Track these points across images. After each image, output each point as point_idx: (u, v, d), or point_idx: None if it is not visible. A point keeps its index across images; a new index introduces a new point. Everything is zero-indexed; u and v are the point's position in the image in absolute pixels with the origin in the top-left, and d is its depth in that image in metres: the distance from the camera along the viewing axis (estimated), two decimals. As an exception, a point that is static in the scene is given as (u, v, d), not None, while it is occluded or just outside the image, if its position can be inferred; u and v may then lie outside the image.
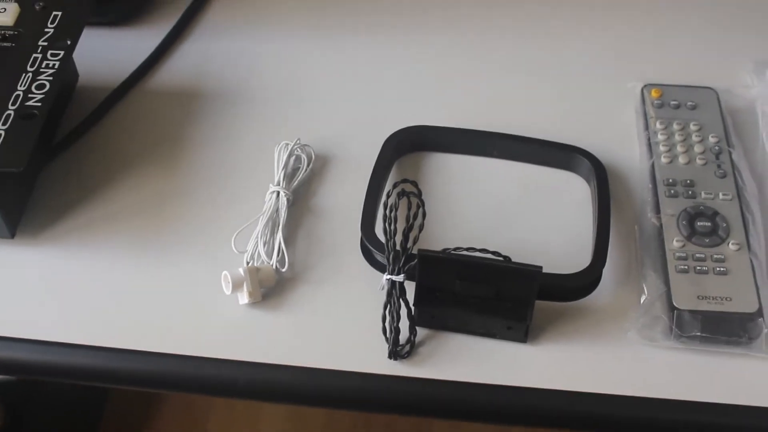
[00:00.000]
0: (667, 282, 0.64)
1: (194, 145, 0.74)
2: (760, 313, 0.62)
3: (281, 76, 0.79)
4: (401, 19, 0.83)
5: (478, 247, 0.62)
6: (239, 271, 0.64)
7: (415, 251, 0.61)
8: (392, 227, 0.62)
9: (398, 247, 0.62)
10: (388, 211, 0.62)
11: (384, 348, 0.62)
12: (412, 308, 0.62)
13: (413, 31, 0.82)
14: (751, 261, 0.64)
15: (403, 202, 0.62)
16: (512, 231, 0.68)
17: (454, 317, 0.63)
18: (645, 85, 0.76)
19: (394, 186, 0.64)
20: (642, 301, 0.64)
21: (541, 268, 0.59)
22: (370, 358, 0.62)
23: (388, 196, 0.63)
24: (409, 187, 0.63)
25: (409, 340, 0.62)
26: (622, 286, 0.65)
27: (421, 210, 0.62)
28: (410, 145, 0.73)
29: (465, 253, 0.61)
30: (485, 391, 0.61)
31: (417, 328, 0.62)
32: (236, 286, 0.64)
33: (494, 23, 0.83)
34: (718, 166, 0.70)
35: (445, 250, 0.62)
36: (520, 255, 0.62)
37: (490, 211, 0.70)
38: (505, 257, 0.61)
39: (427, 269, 0.61)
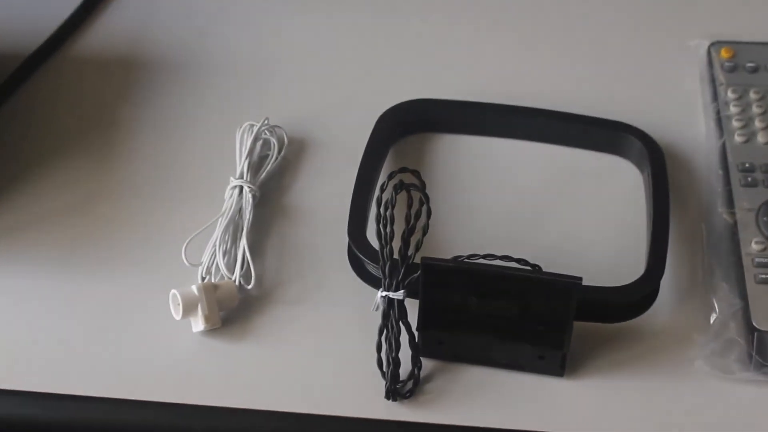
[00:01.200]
0: (744, 296, 0.63)
1: (132, 129, 0.74)
2: None
3: (244, 39, 0.79)
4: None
5: (498, 254, 0.61)
6: (192, 289, 0.63)
7: (417, 260, 0.61)
8: (388, 230, 0.61)
9: (396, 256, 0.61)
10: (382, 210, 0.62)
11: (380, 385, 0.61)
12: (415, 334, 0.61)
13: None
14: None
15: (402, 197, 0.62)
16: (543, 233, 0.68)
17: (470, 345, 0.62)
18: (712, 43, 0.76)
19: (390, 177, 0.63)
20: (712, 321, 0.63)
21: (581, 279, 0.59)
22: (363, 398, 0.61)
23: (383, 190, 0.63)
24: (409, 178, 0.63)
25: (411, 375, 0.61)
26: (685, 302, 0.65)
27: (424, 207, 0.62)
28: (410, 124, 0.73)
29: (482, 261, 0.61)
30: (511, 439, 0.61)
31: (422, 359, 0.62)
32: (188, 309, 0.63)
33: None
34: (809, 146, 0.70)
35: (456, 257, 0.61)
36: (553, 263, 0.62)
37: (514, 208, 0.70)
38: (534, 266, 0.61)
39: (434, 283, 0.60)
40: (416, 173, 0.63)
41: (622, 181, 0.71)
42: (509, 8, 0.81)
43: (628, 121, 0.72)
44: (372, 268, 0.64)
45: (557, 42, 0.79)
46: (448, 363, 0.63)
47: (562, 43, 0.79)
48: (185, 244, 0.66)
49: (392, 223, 0.62)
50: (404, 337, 0.61)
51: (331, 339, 0.64)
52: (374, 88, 0.76)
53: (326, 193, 0.70)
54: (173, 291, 0.64)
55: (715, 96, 0.73)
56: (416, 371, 0.61)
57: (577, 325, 0.61)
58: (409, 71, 0.78)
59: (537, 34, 0.80)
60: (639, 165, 0.71)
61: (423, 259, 0.60)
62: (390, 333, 0.61)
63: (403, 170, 0.64)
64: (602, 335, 0.64)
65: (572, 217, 0.69)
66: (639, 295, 0.63)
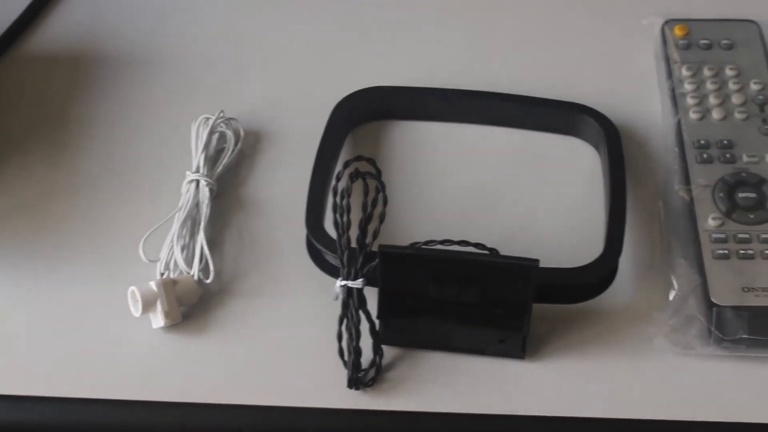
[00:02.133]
0: (702, 272, 0.64)
1: (86, 126, 0.74)
2: (824, 306, 0.62)
3: (197, 33, 0.79)
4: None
5: (456, 239, 0.62)
6: (150, 285, 0.64)
7: (375, 248, 0.61)
8: (345, 219, 0.62)
9: (354, 245, 0.62)
10: (338, 199, 0.62)
11: (342, 375, 0.62)
12: (376, 322, 0.62)
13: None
14: (810, 240, 0.65)
15: (358, 185, 0.62)
16: (501, 216, 0.69)
17: (430, 331, 0.63)
18: (666, 21, 0.76)
19: (345, 166, 0.64)
20: (671, 298, 0.64)
21: (537, 261, 0.59)
22: (325, 389, 0.62)
23: (338, 180, 0.63)
24: (364, 167, 0.63)
25: (373, 363, 0.62)
26: (644, 280, 0.66)
27: (381, 195, 0.62)
28: (366, 112, 0.73)
29: (440, 247, 0.61)
30: (474, 423, 0.61)
31: (383, 347, 0.62)
32: (147, 305, 0.63)
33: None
34: (764, 121, 0.71)
35: (413, 244, 0.62)
36: (511, 246, 0.62)
37: (471, 193, 0.70)
38: (491, 250, 0.62)
39: (392, 270, 0.61)
40: (371, 161, 0.64)
41: (580, 162, 0.72)
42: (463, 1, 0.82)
43: (584, 101, 0.72)
44: (330, 258, 0.65)
45: (512, 25, 0.80)
46: (409, 350, 0.63)
47: (517, 26, 0.80)
48: (142, 240, 0.66)
49: (349, 212, 0.62)
50: (365, 326, 0.62)
51: (292, 330, 0.64)
52: (329, 77, 0.76)
53: (283, 184, 0.70)
54: (132, 288, 0.64)
55: (670, 74, 0.74)
56: (378, 359, 0.62)
57: (537, 307, 0.62)
58: (364, 59, 0.78)
59: (492, 18, 0.80)
60: (596, 145, 0.72)
61: (380, 246, 0.60)
62: (350, 322, 0.61)
63: (358, 158, 0.64)
64: (562, 316, 0.64)
65: (530, 199, 0.70)
66: (597, 275, 0.64)
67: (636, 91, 0.75)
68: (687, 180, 0.68)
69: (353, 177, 0.62)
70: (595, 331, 0.64)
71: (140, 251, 0.66)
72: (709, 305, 0.63)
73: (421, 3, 0.81)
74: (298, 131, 0.73)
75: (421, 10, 0.81)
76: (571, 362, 0.63)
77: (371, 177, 0.63)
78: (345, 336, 0.62)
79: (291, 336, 0.64)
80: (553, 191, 0.70)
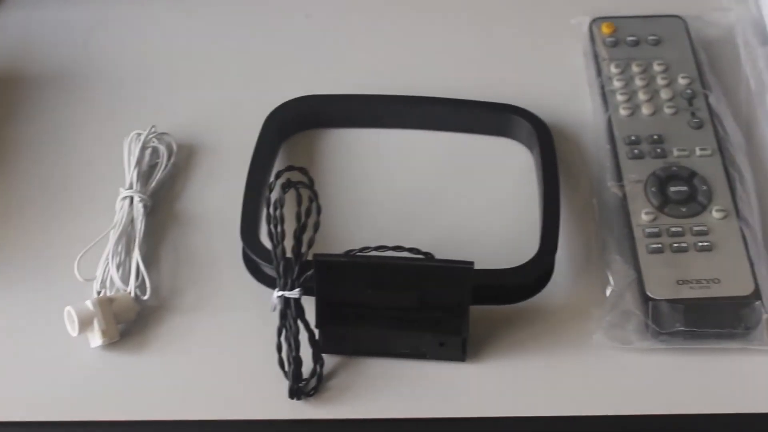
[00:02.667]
0: (637, 267, 0.65)
1: (17, 146, 0.74)
2: (756, 295, 0.63)
3: (125, 49, 0.79)
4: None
5: (391, 245, 0.62)
6: (87, 304, 0.63)
7: (311, 257, 0.61)
8: (279, 230, 0.62)
9: (290, 255, 0.62)
10: (271, 210, 0.62)
11: (284, 386, 0.62)
12: (315, 331, 0.62)
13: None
14: (741, 230, 0.66)
15: (291, 195, 0.63)
16: (437, 220, 0.69)
17: (370, 337, 0.63)
18: (593, 20, 0.77)
19: (277, 176, 0.64)
20: (608, 294, 0.65)
21: (472, 263, 0.60)
22: (267, 400, 0.62)
23: (270, 190, 0.63)
24: (296, 176, 0.64)
25: (314, 373, 0.62)
26: (580, 277, 0.67)
27: (314, 204, 0.62)
28: (298, 122, 0.74)
29: (375, 253, 0.62)
30: (417, 427, 0.61)
31: (323, 355, 0.62)
32: (84, 324, 0.63)
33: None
34: (692, 114, 0.72)
35: (349, 252, 0.62)
36: (447, 250, 0.63)
37: (406, 198, 0.71)
38: (426, 254, 0.62)
39: (328, 279, 0.61)
40: (303, 170, 0.64)
41: (513, 162, 0.72)
42: (393, 5, 0.82)
43: (516, 102, 0.73)
44: (267, 269, 0.65)
45: (441, 28, 0.80)
46: (350, 357, 0.64)
47: (447, 29, 0.80)
48: (77, 259, 0.66)
49: (282, 223, 0.62)
50: (304, 336, 0.62)
51: (232, 343, 0.64)
52: (261, 88, 0.76)
53: (218, 197, 0.70)
54: (67, 308, 0.63)
55: (599, 71, 0.74)
56: (318, 368, 0.62)
57: (476, 308, 0.62)
58: (296, 69, 0.78)
59: (421, 23, 0.81)
60: (528, 145, 0.72)
61: (315, 255, 0.60)
62: (289, 332, 0.62)
63: (289, 168, 0.64)
64: (501, 317, 0.65)
65: (466, 202, 0.70)
66: (533, 275, 0.65)
67: (566, 89, 0.75)
68: (619, 176, 0.69)
69: (285, 187, 0.63)
70: (534, 329, 0.65)
71: (75, 270, 0.65)
72: (645, 299, 0.63)
73: (349, 11, 0.82)
74: (231, 143, 0.73)
75: (349, 18, 0.81)
76: (512, 362, 0.63)
77: (303, 186, 0.63)
78: (285, 346, 0.62)
79: (231, 349, 0.64)
80: (487, 193, 0.71)
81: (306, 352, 0.62)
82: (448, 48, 0.79)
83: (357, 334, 0.63)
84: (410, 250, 0.62)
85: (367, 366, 0.63)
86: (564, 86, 0.76)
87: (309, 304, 0.62)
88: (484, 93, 0.74)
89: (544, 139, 0.70)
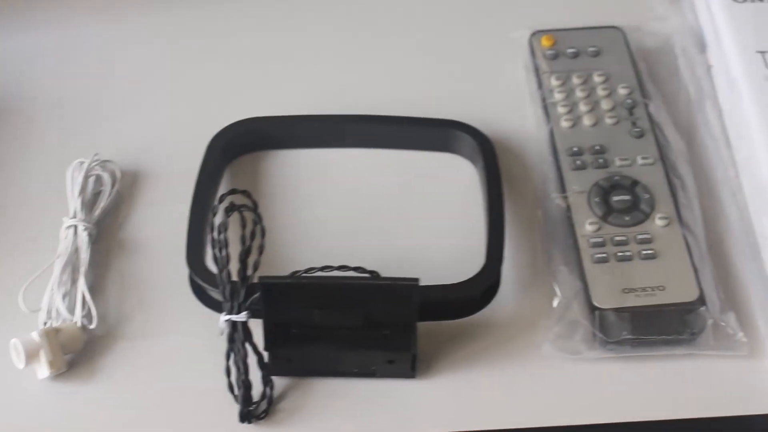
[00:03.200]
0: (583, 277, 0.65)
1: (-41, 178, 0.73)
2: (701, 300, 0.64)
3: (65, 77, 0.79)
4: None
5: (335, 265, 0.62)
6: (33, 336, 0.63)
7: (257, 280, 0.61)
8: (224, 253, 0.62)
9: (235, 278, 0.62)
10: (215, 234, 0.62)
11: (234, 410, 0.62)
12: (263, 354, 0.62)
13: (234, 3, 0.84)
14: (684, 237, 0.67)
15: (235, 219, 0.63)
16: (383, 238, 0.70)
17: (319, 358, 0.63)
18: (533, 33, 0.78)
19: (220, 200, 0.64)
20: (555, 305, 0.65)
21: (417, 280, 0.60)
22: (217, 425, 0.62)
23: (214, 214, 0.63)
24: (240, 199, 0.64)
25: (264, 396, 0.62)
26: (527, 289, 0.67)
27: (258, 227, 0.63)
28: (243, 144, 0.74)
29: (320, 273, 0.62)
30: (369, 446, 0.62)
31: (273, 378, 0.63)
32: (31, 356, 0.63)
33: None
34: (633, 124, 0.72)
35: (294, 273, 0.62)
36: (394, 267, 0.63)
37: (352, 217, 0.71)
38: (371, 272, 0.62)
39: (275, 301, 0.61)
40: (246, 193, 0.64)
41: (458, 177, 0.73)
42: (330, 19, 0.83)
43: (458, 117, 0.73)
44: (214, 294, 0.65)
45: (382, 46, 0.81)
46: (299, 378, 0.64)
47: (387, 46, 0.81)
48: (22, 290, 0.65)
49: (227, 246, 0.62)
50: (253, 359, 0.62)
51: (180, 369, 0.64)
52: (205, 112, 0.76)
53: (163, 223, 0.70)
54: (13, 340, 0.63)
55: (540, 84, 0.75)
56: (268, 391, 0.62)
57: (425, 324, 0.63)
58: (240, 90, 0.78)
59: (362, 41, 0.81)
60: (472, 160, 0.73)
61: (260, 278, 0.61)
62: (237, 356, 0.62)
63: (232, 192, 0.64)
64: (450, 332, 0.65)
65: (411, 219, 0.71)
66: (480, 289, 0.65)
67: (508, 103, 0.76)
68: (563, 187, 0.69)
69: (228, 210, 0.63)
70: (483, 343, 0.65)
71: (20, 301, 0.65)
72: (592, 309, 0.64)
73: (290, 29, 0.82)
74: (176, 168, 0.73)
75: (291, 37, 0.81)
76: (462, 377, 0.64)
77: (247, 209, 0.63)
78: (233, 370, 0.62)
79: (180, 374, 0.64)
80: (432, 209, 0.71)
81: (255, 375, 0.62)
82: (390, 65, 0.80)
83: (306, 355, 0.63)
84: (355, 269, 0.62)
85: (317, 386, 0.64)
86: (506, 100, 0.76)
87: (257, 327, 0.62)
88: (426, 109, 0.74)
89: (487, 153, 0.71)
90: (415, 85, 0.78)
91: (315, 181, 0.73)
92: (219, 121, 0.74)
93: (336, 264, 0.62)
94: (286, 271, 0.63)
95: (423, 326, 0.63)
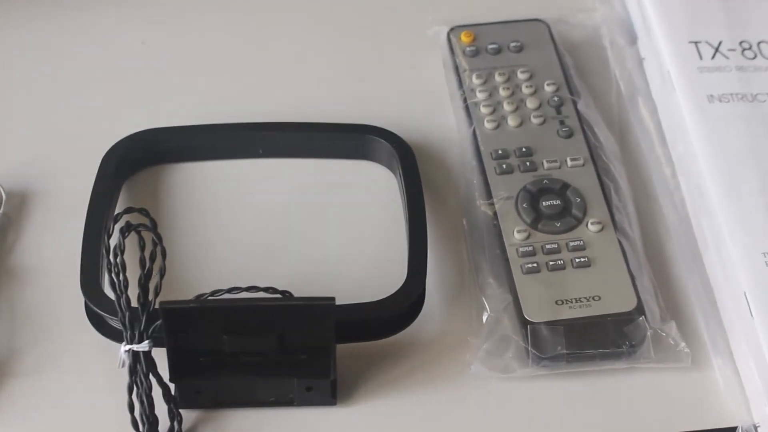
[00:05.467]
0: (513, 289, 0.65)
1: None
2: (639, 310, 0.64)
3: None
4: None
5: (244, 286, 0.61)
6: None
7: (159, 305, 0.60)
8: (121, 278, 0.61)
9: (135, 304, 0.61)
10: (112, 257, 0.61)
11: (140, 448, 0.61)
12: (170, 385, 0.61)
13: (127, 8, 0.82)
14: (619, 243, 0.67)
15: (133, 240, 0.61)
16: (297, 255, 0.69)
17: (231, 387, 0.62)
18: (452, 29, 0.78)
19: (116, 220, 0.63)
20: (484, 321, 0.65)
21: (333, 299, 0.59)
22: (122, 466, 0.61)
23: (109, 236, 0.62)
24: (138, 218, 0.62)
25: (172, 431, 0.61)
26: (454, 305, 0.67)
27: (159, 247, 0.61)
28: (140, 159, 0.72)
29: (227, 296, 0.61)
30: (287, 482, 0.61)
31: (181, 411, 0.61)
32: None
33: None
34: (561, 123, 0.72)
35: (199, 296, 0.61)
36: (309, 286, 0.63)
37: (261, 233, 0.70)
38: (283, 293, 0.61)
39: (179, 328, 0.60)
40: (144, 211, 0.63)
41: (377, 186, 0.72)
42: (234, 21, 0.82)
43: (374, 122, 0.73)
44: (113, 322, 0.63)
45: (291, 49, 0.80)
46: (211, 411, 0.63)
47: (297, 49, 0.80)
48: None
49: (124, 270, 0.61)
50: (158, 392, 0.61)
51: (80, 407, 0.63)
52: (99, 125, 0.74)
53: (56, 247, 0.69)
54: None
55: (461, 83, 0.75)
56: (176, 426, 0.61)
57: (344, 347, 0.62)
58: (136, 101, 0.77)
59: (269, 43, 0.80)
60: (391, 167, 0.72)
61: (161, 303, 0.59)
62: (141, 389, 0.60)
63: (128, 210, 0.63)
64: (372, 354, 0.64)
65: (327, 233, 0.70)
66: (402, 306, 0.64)
67: (428, 105, 0.76)
68: (489, 193, 0.69)
69: (125, 231, 0.61)
70: (408, 365, 0.64)
71: None
72: (524, 323, 0.64)
73: (187, 35, 0.81)
74: (68, 187, 0.71)
75: (190, 43, 0.80)
76: (387, 401, 0.63)
77: (145, 229, 0.62)
78: (137, 406, 0.60)
79: (80, 413, 0.63)
80: (350, 221, 0.70)
81: (162, 409, 0.61)
82: (300, 69, 0.79)
83: (216, 385, 0.62)
84: (266, 289, 0.61)
85: (231, 419, 0.62)
86: (425, 101, 0.76)
87: (162, 356, 0.61)
88: (341, 114, 0.74)
89: (406, 159, 0.70)
90: (328, 89, 0.77)
91: (221, 195, 0.72)
92: (114, 133, 0.72)
93: (245, 285, 0.61)
94: (191, 295, 0.62)
95: (343, 348, 0.62)
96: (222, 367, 0.61)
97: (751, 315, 0.63)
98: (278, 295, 0.61)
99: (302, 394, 0.62)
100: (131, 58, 0.79)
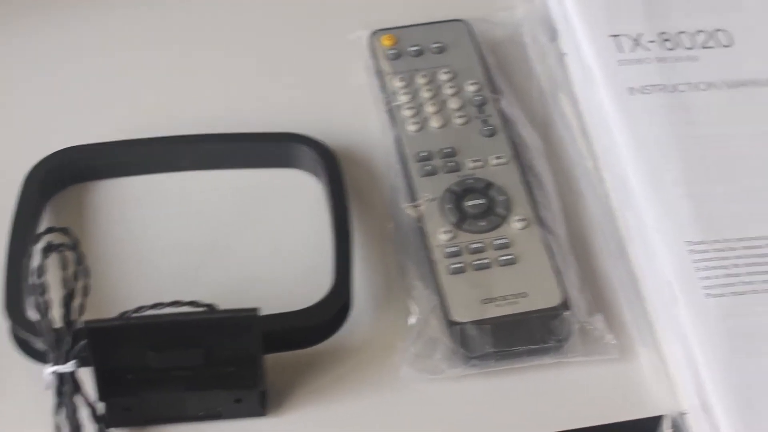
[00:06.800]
0: (439, 290, 0.66)
1: None
2: (565, 305, 0.65)
3: None
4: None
5: (167, 301, 0.62)
6: None
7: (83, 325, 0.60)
8: (44, 298, 0.61)
9: (60, 324, 0.61)
10: (35, 278, 0.61)
11: (71, 471, 0.61)
12: (96, 406, 0.61)
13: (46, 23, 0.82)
14: (544, 239, 0.68)
15: (55, 260, 0.62)
16: (223, 268, 0.69)
17: (160, 403, 0.62)
18: (373, 33, 0.78)
19: (36, 240, 0.63)
20: (411, 323, 0.65)
21: (256, 310, 0.60)
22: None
23: (29, 257, 0.62)
24: (59, 238, 0.63)
25: (102, 451, 0.62)
26: (382, 309, 0.68)
27: (81, 267, 0.62)
28: (63, 177, 0.73)
29: (151, 312, 0.61)
30: (219, 495, 0.61)
31: (111, 430, 0.62)
32: None
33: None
34: (484, 122, 0.73)
35: (123, 314, 0.61)
36: (235, 298, 0.63)
37: (185, 247, 0.70)
38: (207, 306, 0.62)
39: (104, 346, 0.60)
40: (65, 230, 0.63)
41: (302, 194, 0.72)
42: (151, 32, 0.82)
43: (297, 129, 0.73)
44: (38, 344, 0.64)
45: (214, 58, 0.80)
46: (141, 428, 0.63)
47: (219, 58, 0.80)
48: None
49: (48, 291, 0.61)
50: (85, 412, 0.61)
51: (8, 431, 0.63)
52: (19, 143, 0.74)
53: (-21, 269, 0.69)
54: None
55: (383, 87, 0.75)
56: (106, 445, 0.62)
57: (272, 357, 0.62)
58: (57, 118, 0.76)
59: (193, 56, 0.80)
60: (315, 173, 0.73)
61: (86, 322, 0.60)
62: (67, 411, 0.61)
63: (49, 230, 0.63)
64: (301, 362, 0.65)
65: (252, 243, 0.70)
66: (328, 314, 0.65)
67: (351, 110, 0.76)
68: (413, 196, 0.70)
69: (47, 251, 0.62)
70: (338, 372, 0.65)
71: None
72: (451, 324, 0.64)
73: (107, 47, 0.81)
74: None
75: (110, 56, 0.80)
76: (317, 409, 0.64)
77: (67, 248, 0.62)
78: (65, 427, 0.61)
79: (7, 438, 0.63)
80: (275, 230, 0.71)
81: (91, 430, 0.61)
82: (219, 77, 0.79)
83: (145, 402, 0.62)
84: (189, 303, 0.62)
85: (162, 435, 0.63)
86: (348, 107, 0.76)
87: (90, 377, 0.61)
88: (263, 123, 0.74)
89: (330, 165, 0.71)
90: (249, 97, 0.78)
91: (145, 210, 0.72)
92: (36, 152, 0.72)
93: (168, 300, 0.62)
94: (117, 312, 0.62)
95: (271, 358, 0.62)
96: (150, 384, 0.61)
97: (676, 303, 0.65)
98: (201, 309, 0.62)
99: (231, 407, 0.63)
100: (52, 74, 0.79)
